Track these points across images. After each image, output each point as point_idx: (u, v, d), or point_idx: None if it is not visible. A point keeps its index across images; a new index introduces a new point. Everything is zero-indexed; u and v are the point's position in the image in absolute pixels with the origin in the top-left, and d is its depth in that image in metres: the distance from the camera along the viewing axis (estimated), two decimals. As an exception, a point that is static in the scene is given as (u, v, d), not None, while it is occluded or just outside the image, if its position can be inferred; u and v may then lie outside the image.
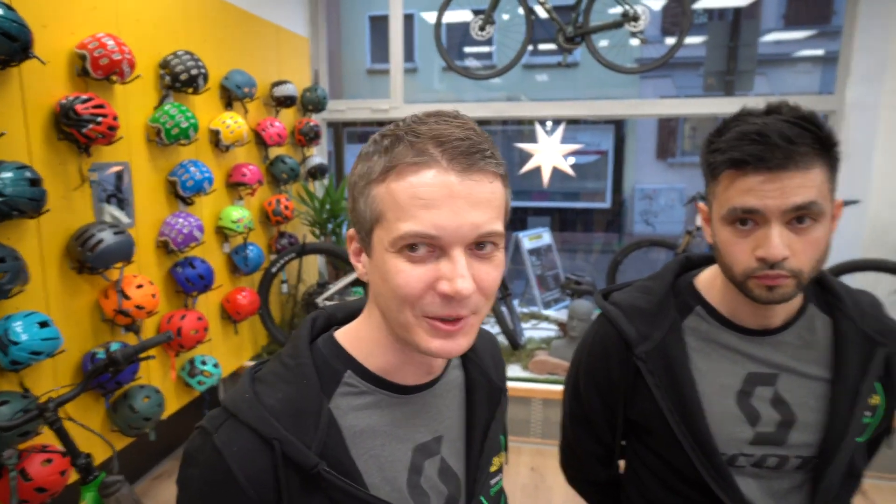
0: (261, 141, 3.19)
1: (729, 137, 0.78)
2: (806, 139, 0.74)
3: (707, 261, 0.97)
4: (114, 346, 2.05)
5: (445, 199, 0.56)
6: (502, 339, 3.57)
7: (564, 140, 3.98)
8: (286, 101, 3.37)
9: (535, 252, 4.88)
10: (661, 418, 0.88)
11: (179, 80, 2.45)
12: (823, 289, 0.91)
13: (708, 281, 0.93)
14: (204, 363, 2.56)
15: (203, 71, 2.51)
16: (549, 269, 4.90)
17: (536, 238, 4.97)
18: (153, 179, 2.43)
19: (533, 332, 3.81)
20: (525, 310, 4.32)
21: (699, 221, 0.90)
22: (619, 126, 12.32)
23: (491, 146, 0.60)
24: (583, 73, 3.78)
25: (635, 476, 0.99)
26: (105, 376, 1.83)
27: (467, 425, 0.73)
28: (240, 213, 2.84)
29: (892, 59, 3.23)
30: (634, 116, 4.50)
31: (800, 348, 0.87)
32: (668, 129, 12.38)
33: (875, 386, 0.87)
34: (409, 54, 4.19)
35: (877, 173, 3.31)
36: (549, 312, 4.29)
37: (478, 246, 0.59)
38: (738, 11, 5.38)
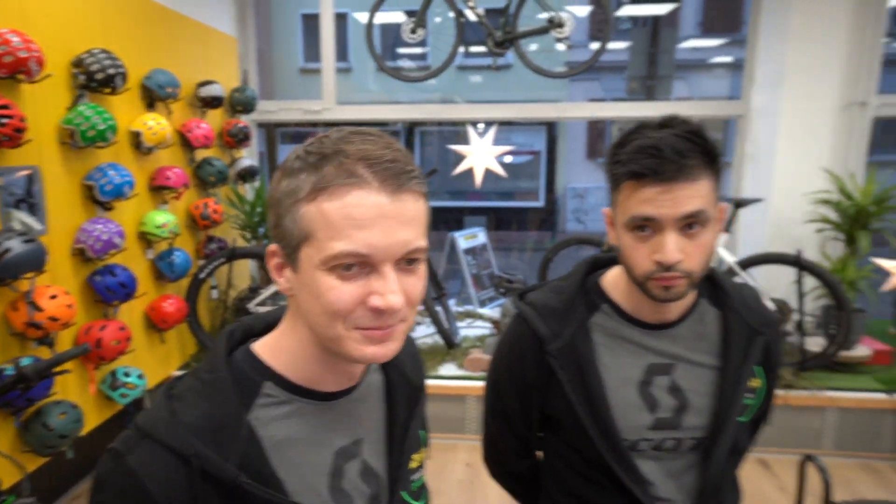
0: (186, 143, 3.08)
1: (629, 150, 0.85)
2: (695, 152, 0.82)
3: (613, 261, 1.04)
4: (24, 361, 1.94)
5: (377, 220, 0.59)
6: (438, 339, 3.61)
7: (498, 141, 4.07)
8: (213, 102, 3.27)
9: (470, 251, 4.95)
10: (572, 411, 0.94)
11: (95, 79, 2.34)
12: (713, 285, 1.00)
13: (613, 280, 1.00)
14: (127, 375, 2.45)
15: (121, 70, 2.41)
16: (484, 269, 4.99)
17: (472, 238, 5.05)
18: (67, 184, 2.30)
19: (468, 330, 3.88)
20: (461, 309, 4.38)
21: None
22: (550, 127, 12.67)
23: (415, 166, 0.63)
24: (515, 74, 3.88)
25: (550, 466, 1.05)
26: (14, 393, 1.72)
27: (388, 425, 0.76)
28: (164, 218, 2.74)
29: (790, 68, 3.52)
30: (563, 119, 4.67)
31: (693, 340, 0.96)
32: (596, 130, 12.84)
33: (755, 370, 0.97)
34: (342, 54, 4.17)
35: (778, 174, 3.59)
36: (484, 311, 4.37)
37: (406, 261, 0.62)
38: (657, 19, 5.67)
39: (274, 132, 5.16)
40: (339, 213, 0.59)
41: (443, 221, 11.73)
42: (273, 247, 0.67)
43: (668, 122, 0.86)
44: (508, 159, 12.45)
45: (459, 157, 4.09)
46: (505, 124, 4.48)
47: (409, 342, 0.86)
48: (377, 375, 0.78)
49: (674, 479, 0.95)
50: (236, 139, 3.56)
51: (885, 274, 3.65)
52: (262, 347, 0.71)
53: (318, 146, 0.62)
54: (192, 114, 3.22)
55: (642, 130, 0.86)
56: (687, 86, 11.95)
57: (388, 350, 0.64)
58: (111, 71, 2.36)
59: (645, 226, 0.85)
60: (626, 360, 0.95)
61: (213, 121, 3.39)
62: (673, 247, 0.83)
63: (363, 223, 0.59)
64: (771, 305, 3.27)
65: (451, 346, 3.48)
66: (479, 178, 4.02)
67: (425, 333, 3.80)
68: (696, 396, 0.95)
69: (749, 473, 2.91)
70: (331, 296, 0.60)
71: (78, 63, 2.33)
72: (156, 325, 2.78)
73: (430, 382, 3.20)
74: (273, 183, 0.66)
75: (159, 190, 2.83)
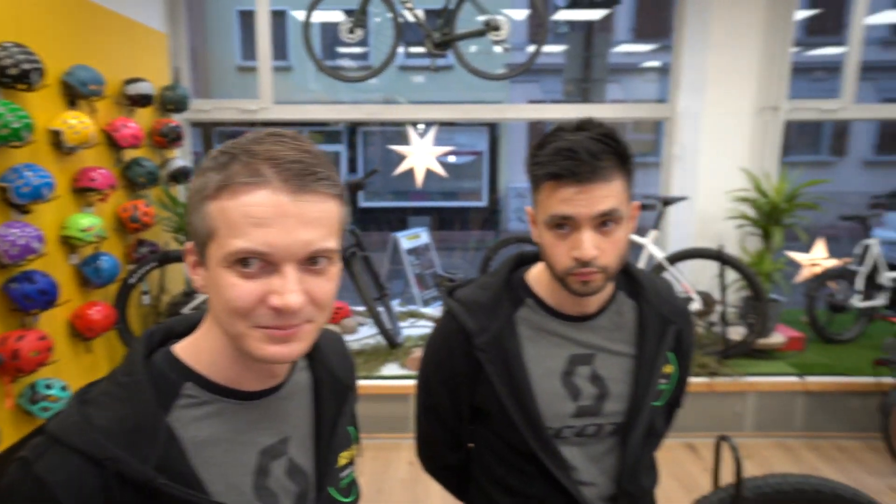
0: (113, 143, 2.95)
1: (547, 153, 0.90)
2: (608, 154, 0.88)
3: (537, 257, 1.08)
4: (-66, 375, 1.82)
5: (277, 218, 0.60)
6: (381, 339, 3.62)
7: (440, 142, 4.11)
8: (141, 101, 3.15)
9: (413, 251, 4.97)
10: (499, 402, 0.98)
11: (8, 74, 2.21)
12: (629, 278, 1.06)
13: (536, 276, 1.04)
14: (49, 387, 2.33)
15: (37, 65, 2.29)
16: (427, 268, 5.02)
17: (414, 238, 5.07)
18: (-21, 186, 2.17)
19: (411, 330, 3.90)
20: (404, 309, 4.40)
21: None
22: (493, 128, 12.86)
23: (326, 168, 0.64)
24: (457, 76, 3.92)
25: (480, 456, 1.09)
26: None
27: (315, 423, 0.77)
28: (89, 221, 2.62)
29: (711, 73, 3.74)
30: (503, 120, 4.75)
31: (611, 330, 1.02)
32: (537, 131, 13.14)
33: (668, 356, 1.04)
34: (281, 52, 4.11)
35: (702, 173, 3.80)
36: (428, 310, 4.40)
37: (310, 261, 0.63)
38: (591, 24, 5.88)
39: (211, 132, 5.01)
40: (239, 210, 0.60)
41: (386, 222, 11.69)
42: (189, 244, 0.68)
43: (583, 126, 0.91)
44: (451, 159, 12.56)
45: (402, 158, 4.11)
46: (447, 125, 4.54)
47: (339, 341, 0.87)
48: (305, 374, 0.78)
49: (595, 463, 1.00)
50: (167, 139, 3.44)
51: (797, 266, 3.94)
52: (183, 348, 0.71)
53: (231, 146, 0.63)
54: (119, 112, 3.09)
55: (560, 133, 0.91)
56: (621, 89, 12.41)
57: (291, 350, 0.64)
58: (26, 66, 2.24)
59: (563, 224, 0.90)
60: (549, 351, 1.00)
61: (143, 120, 3.27)
62: (589, 244, 0.88)
63: (262, 221, 0.60)
64: (697, 298, 3.47)
65: (393, 345, 3.49)
66: (419, 178, 4.05)
67: (368, 334, 3.79)
68: (615, 384, 1.00)
69: (677, 457, 3.08)
70: (231, 293, 0.61)
71: (-11, 58, 2.19)
72: (81, 333, 2.65)
73: (373, 383, 3.21)
74: (191, 183, 0.66)
75: (83, 192, 2.70)
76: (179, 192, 3.75)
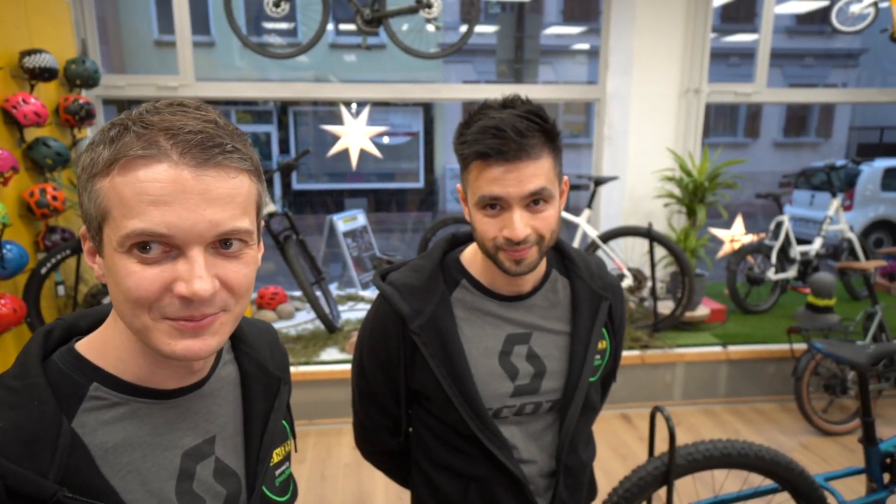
0: (12, 121, 2.69)
1: (474, 131, 0.87)
2: (534, 131, 0.87)
3: (471, 238, 1.06)
4: None
5: (177, 196, 0.53)
6: (319, 324, 3.54)
7: (375, 122, 4.02)
8: (43, 74, 2.87)
9: (350, 234, 4.89)
10: (437, 384, 0.96)
11: None
12: (562, 255, 1.07)
13: (471, 256, 1.03)
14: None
15: (-83, 33, 2.03)
16: (365, 251, 4.96)
17: (351, 220, 4.98)
18: None
19: (351, 313, 3.84)
20: (343, 292, 4.32)
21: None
22: (427, 108, 12.77)
23: (234, 139, 0.57)
24: (390, 54, 3.84)
25: (419, 439, 1.08)
26: None
27: (245, 420, 0.72)
28: (-12, 207, 2.38)
29: (637, 56, 3.84)
30: (437, 100, 4.70)
31: (546, 309, 1.02)
32: (471, 111, 13.17)
33: (602, 332, 1.06)
34: (203, 26, 3.86)
35: (631, 153, 3.92)
36: (367, 293, 4.35)
37: (222, 244, 0.57)
38: (521, 5, 5.90)
39: (128, 109, 4.68)
40: (133, 187, 0.53)
41: (321, 204, 11.42)
42: (83, 230, 0.60)
43: (509, 103, 0.90)
44: (386, 140, 12.39)
45: (336, 139, 4.00)
46: (381, 105, 4.44)
47: (269, 332, 0.81)
48: (231, 367, 0.72)
49: (534, 440, 1.01)
50: (76, 117, 3.17)
51: (720, 242, 4.16)
52: (88, 346, 0.63)
53: (123, 117, 0.56)
54: (17, 87, 2.81)
55: (486, 111, 0.89)
56: (553, 70, 12.62)
57: (205, 345, 0.58)
58: None
59: (494, 204, 0.89)
60: (486, 331, 0.99)
61: (46, 96, 2.99)
62: (520, 224, 0.87)
63: (160, 199, 0.53)
64: (628, 274, 3.59)
65: (332, 330, 3.42)
66: (354, 159, 3.96)
67: (306, 319, 3.70)
68: (552, 361, 1.01)
69: (613, 427, 3.20)
70: (130, 281, 0.54)
71: None
72: (-16, 330, 2.43)
73: (313, 368, 3.12)
74: (80, 160, 0.59)
75: (-20, 175, 2.45)
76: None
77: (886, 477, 1.78)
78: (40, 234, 2.91)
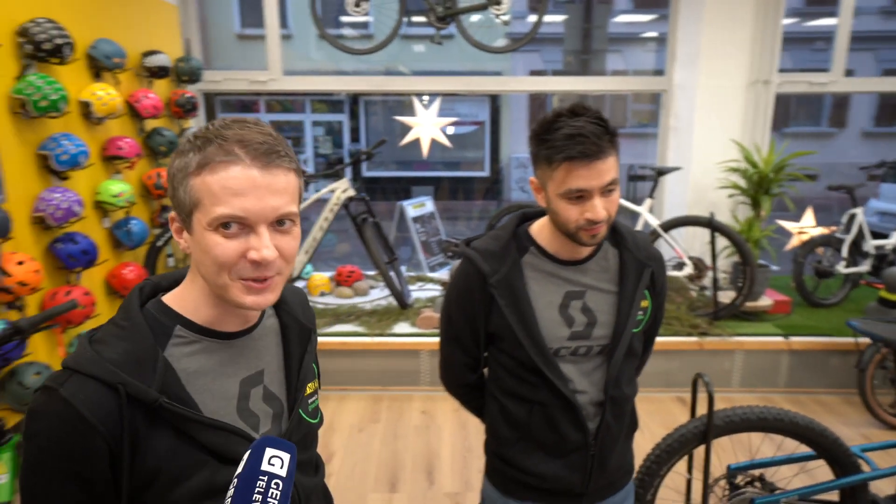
0: (135, 113, 3.11)
1: (559, 138, 1.10)
2: (605, 135, 1.10)
3: (537, 215, 1.32)
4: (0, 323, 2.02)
5: (250, 189, 0.73)
6: (392, 301, 3.82)
7: (442, 111, 4.24)
8: (159, 72, 3.28)
9: (418, 220, 5.14)
10: (509, 328, 1.21)
11: (43, 49, 2.35)
12: (613, 231, 1.30)
13: (538, 229, 1.28)
14: (92, 339, 2.54)
15: (69, 40, 2.42)
16: (432, 236, 5.21)
17: (420, 206, 5.24)
18: (21, 154, 2.33)
19: (420, 292, 4.11)
20: (412, 273, 4.60)
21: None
22: (494, 98, 12.85)
23: (285, 147, 0.77)
24: (459, 44, 4.01)
25: (494, 374, 1.33)
26: (8, 346, 1.82)
27: (285, 359, 0.92)
28: (119, 188, 2.79)
29: (705, 47, 3.85)
30: (504, 92, 4.83)
31: (598, 272, 1.26)
32: (538, 101, 13.13)
33: (645, 293, 1.28)
34: (282, 20, 4.19)
35: (696, 144, 3.95)
36: (435, 275, 4.60)
37: (279, 223, 0.76)
38: (590, -5, 5.93)
39: (213, 101, 5.12)
40: (219, 183, 0.73)
41: (391, 191, 11.81)
42: (172, 214, 0.81)
43: (578, 111, 1.12)
44: (451, 130, 12.59)
45: (405, 128, 4.25)
46: (449, 95, 4.64)
47: (300, 294, 1.02)
48: (273, 319, 0.93)
49: (586, 376, 1.25)
50: (184, 109, 3.58)
51: (788, 235, 4.13)
52: (171, 298, 0.84)
53: (204, 132, 0.76)
54: (138, 84, 3.23)
55: (563, 119, 1.12)
56: (623, 59, 12.40)
57: (265, 299, 0.78)
58: (59, 41, 2.38)
59: (580, 195, 1.12)
60: (549, 288, 1.24)
61: (160, 91, 3.40)
62: (600, 208, 1.12)
63: (239, 191, 0.73)
64: (689, 263, 3.66)
65: (403, 306, 3.70)
66: (425, 148, 4.20)
67: (380, 296, 4.00)
68: (601, 314, 1.24)
69: (668, 408, 3.31)
70: (217, 251, 0.74)
71: (23, 32, 2.33)
72: (117, 291, 2.85)
73: (385, 340, 3.44)
74: (170, 162, 0.79)
75: (112, 160, 2.87)
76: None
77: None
78: (155, 212, 3.33)
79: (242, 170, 0.73)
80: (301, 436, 0.90)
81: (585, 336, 1.23)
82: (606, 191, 1.12)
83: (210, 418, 0.78)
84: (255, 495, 0.72)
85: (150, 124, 3.28)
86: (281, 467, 0.75)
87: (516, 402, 1.27)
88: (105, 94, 2.71)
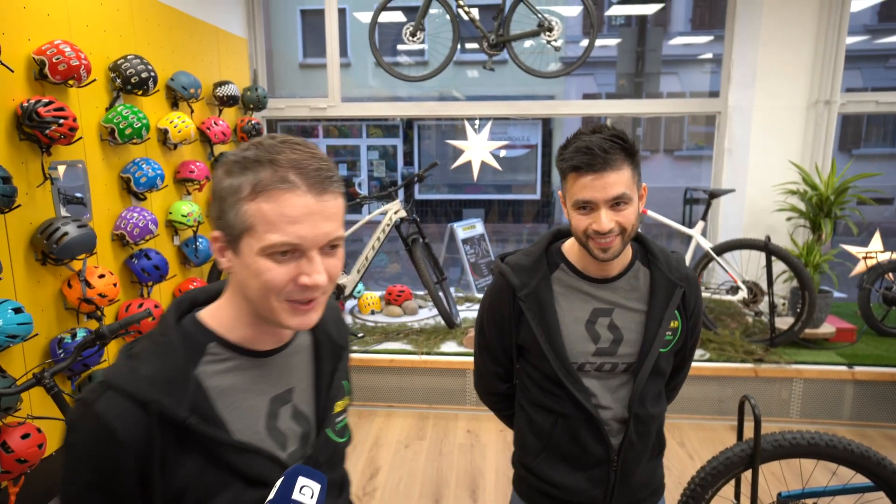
0: (206, 139, 3.35)
1: (570, 150, 1.17)
2: (616, 149, 1.14)
3: (571, 233, 1.34)
4: (80, 332, 2.21)
5: (305, 216, 0.74)
6: (440, 320, 3.89)
7: (494, 135, 4.34)
8: (229, 101, 3.53)
9: (468, 241, 5.22)
10: (536, 341, 1.26)
11: (130, 82, 2.60)
12: (646, 250, 1.32)
13: (569, 246, 1.32)
14: (161, 348, 2.72)
15: (153, 74, 2.67)
16: (482, 258, 5.27)
17: (470, 228, 5.32)
18: (107, 176, 2.57)
19: (467, 312, 4.16)
20: (461, 294, 4.67)
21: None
22: (546, 121, 12.90)
23: (335, 171, 0.78)
24: (511, 69, 4.11)
25: (522, 384, 1.38)
26: (90, 350, 2.00)
27: (315, 377, 0.92)
28: (189, 208, 3.01)
29: (762, 68, 3.79)
30: (553, 116, 4.87)
31: (628, 291, 1.28)
32: (591, 124, 13.06)
33: (675, 313, 1.29)
34: (342, 49, 4.41)
35: (752, 167, 3.87)
36: (482, 296, 4.65)
37: (329, 247, 0.78)
38: (643, 19, 5.93)
39: (275, 127, 5.41)
40: (276, 211, 0.73)
41: (442, 213, 11.98)
42: (216, 233, 0.79)
43: (598, 129, 1.18)
44: (503, 153, 12.69)
45: (457, 151, 4.36)
46: (502, 118, 4.73)
47: (335, 310, 1.02)
48: (306, 336, 0.93)
49: (611, 392, 1.27)
50: (250, 135, 3.82)
51: (852, 259, 3.95)
52: (207, 315, 0.84)
53: (255, 153, 0.75)
54: (210, 112, 3.49)
55: (580, 136, 1.18)
56: (679, 80, 12.21)
57: (310, 319, 0.79)
58: (144, 75, 2.63)
59: (586, 205, 1.16)
60: (576, 304, 1.27)
61: (228, 118, 3.66)
62: (605, 219, 1.14)
63: (295, 219, 0.73)
64: (743, 287, 3.56)
65: (451, 325, 3.76)
66: (475, 171, 4.29)
67: (429, 315, 4.08)
68: (629, 332, 1.26)
69: (721, 437, 3.21)
70: (268, 276, 0.75)
71: (114, 68, 2.59)
72: (183, 304, 3.05)
73: (433, 358, 3.51)
74: (215, 179, 0.78)
75: (183, 182, 3.10)
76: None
77: None
78: (220, 231, 3.55)
79: (298, 197, 0.73)
80: (328, 455, 0.91)
81: (611, 353, 1.25)
82: (615, 204, 1.14)
83: (238, 441, 0.78)
84: None
85: (218, 149, 3.52)
86: (311, 497, 0.77)
87: (542, 413, 1.31)
88: (180, 122, 2.95)
